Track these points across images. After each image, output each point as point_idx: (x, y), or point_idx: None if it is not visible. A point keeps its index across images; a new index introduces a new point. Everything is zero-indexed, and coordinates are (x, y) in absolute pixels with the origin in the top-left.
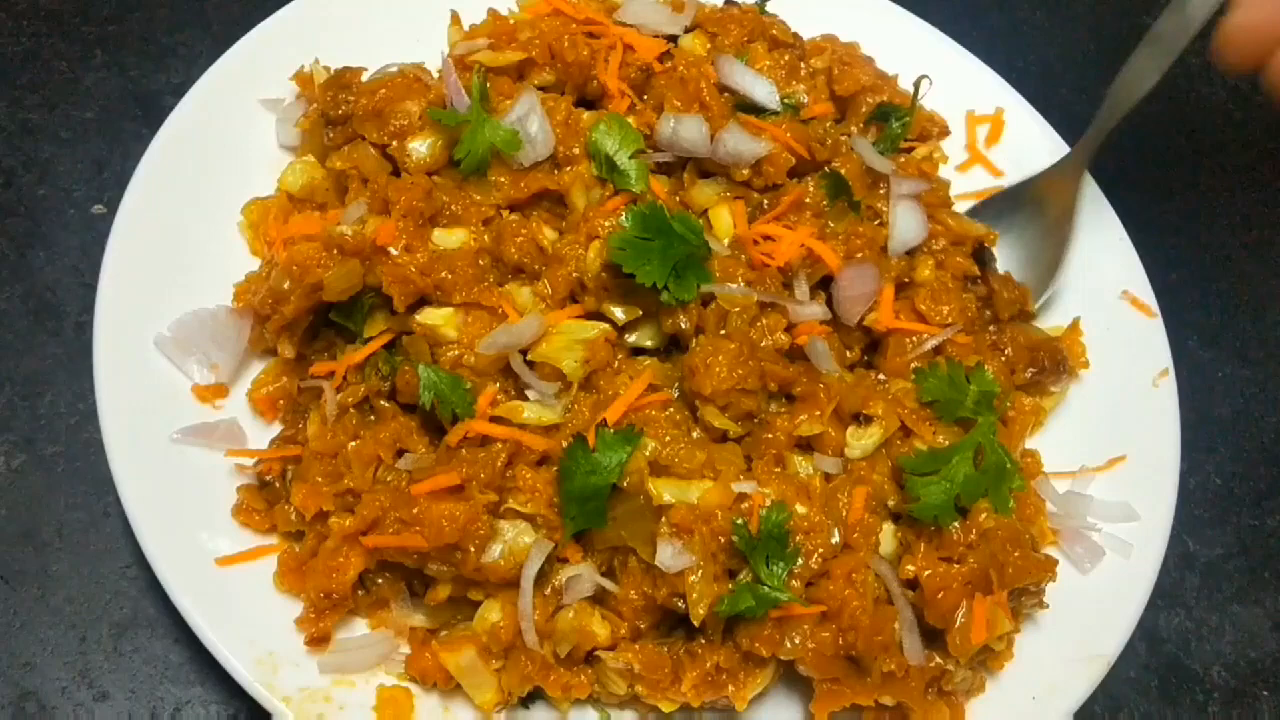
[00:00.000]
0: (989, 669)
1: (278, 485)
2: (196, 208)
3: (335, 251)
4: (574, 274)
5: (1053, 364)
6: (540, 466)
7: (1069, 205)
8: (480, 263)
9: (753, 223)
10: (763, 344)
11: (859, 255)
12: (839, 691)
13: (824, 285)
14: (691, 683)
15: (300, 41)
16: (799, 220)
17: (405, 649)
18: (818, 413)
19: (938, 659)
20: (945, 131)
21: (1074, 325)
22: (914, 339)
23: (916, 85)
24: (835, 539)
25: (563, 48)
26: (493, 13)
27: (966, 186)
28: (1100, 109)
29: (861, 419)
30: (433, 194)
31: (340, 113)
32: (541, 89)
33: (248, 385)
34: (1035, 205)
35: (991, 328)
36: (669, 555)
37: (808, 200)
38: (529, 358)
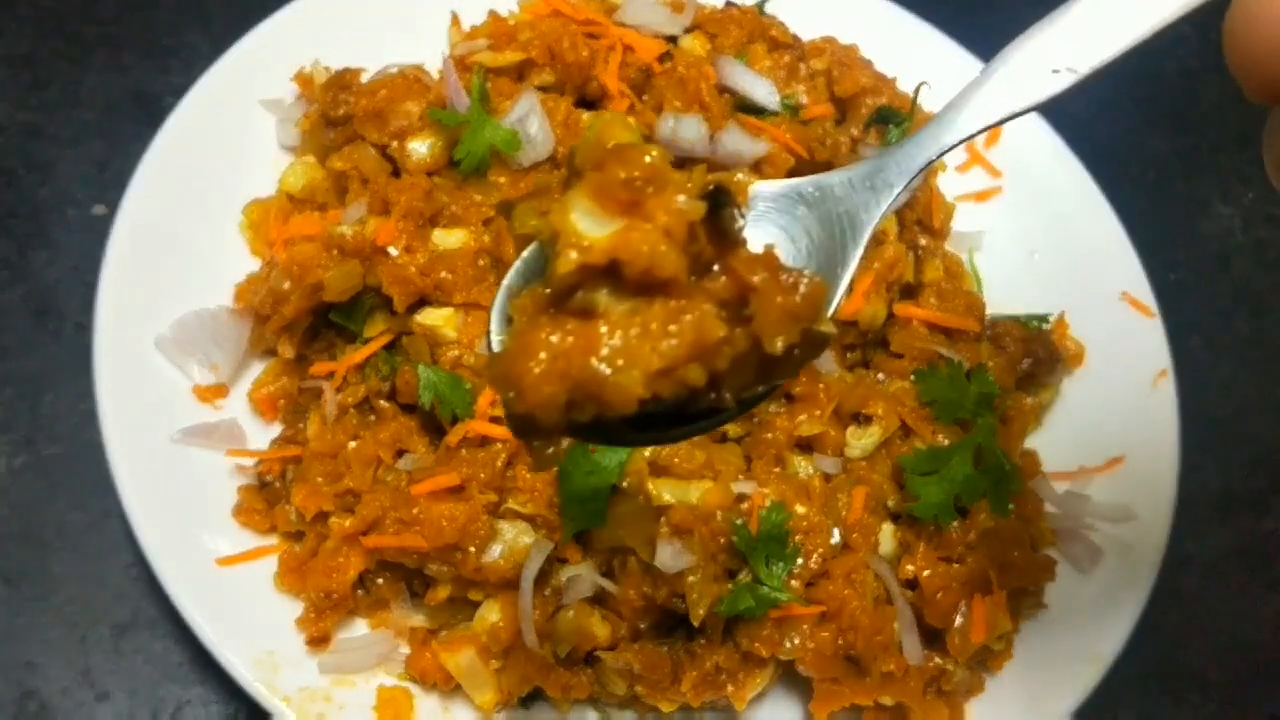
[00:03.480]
0: (988, 669)
1: (278, 485)
2: (197, 208)
3: (335, 252)
4: None
5: (1047, 355)
6: None
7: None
8: (480, 263)
9: None
10: None
11: None
12: (838, 691)
13: None
14: (691, 683)
15: (300, 42)
16: None
17: (405, 649)
18: (818, 413)
19: (937, 659)
20: None
21: (1061, 319)
22: (919, 327)
23: (916, 91)
24: (835, 539)
25: (563, 48)
26: (493, 14)
27: (966, 188)
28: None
29: (861, 419)
30: (433, 194)
31: (340, 113)
32: (541, 89)
33: (248, 385)
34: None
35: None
36: (669, 555)
37: None
38: None
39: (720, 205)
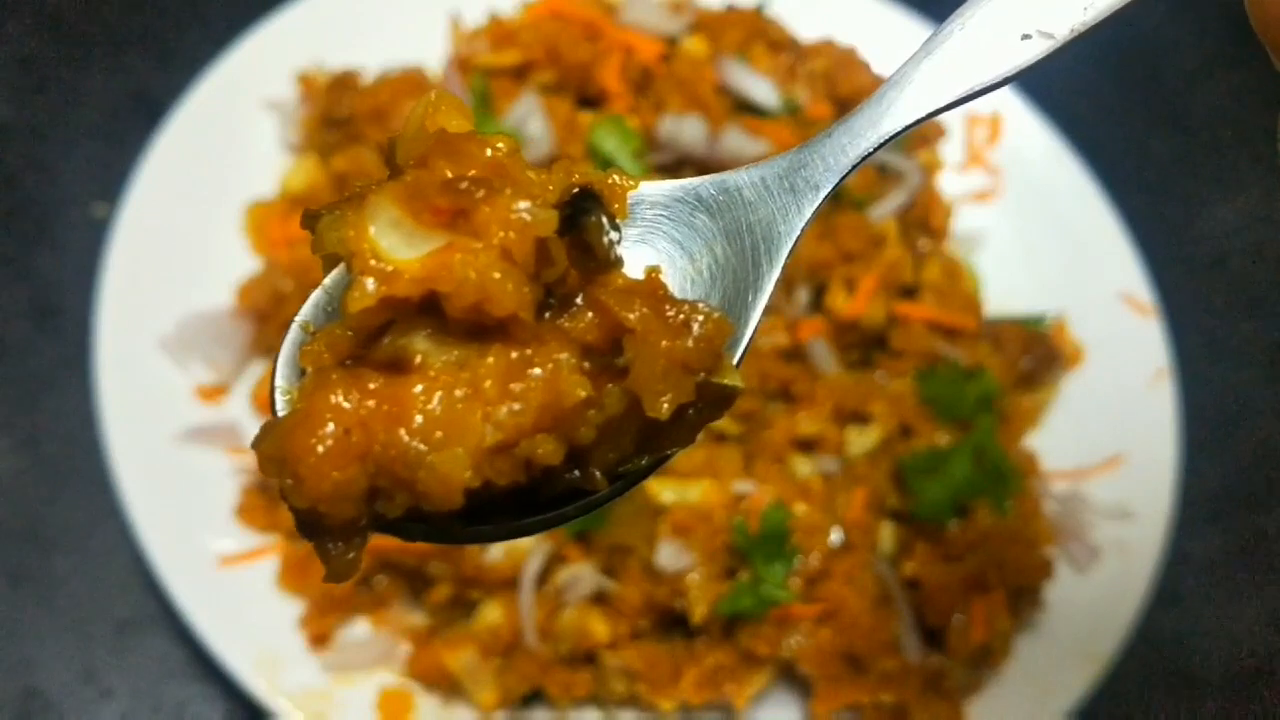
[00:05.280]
0: (988, 668)
1: None
2: (198, 208)
3: None
4: None
5: (1045, 355)
6: None
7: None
8: None
9: None
10: (762, 344)
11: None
12: (838, 689)
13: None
14: (691, 682)
15: (302, 42)
16: None
17: (406, 648)
18: (818, 412)
19: (937, 658)
20: (941, 133)
21: (1060, 319)
22: (919, 327)
23: None
24: (835, 539)
25: (563, 49)
26: (494, 19)
27: (965, 188)
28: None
29: (861, 418)
30: None
31: (342, 113)
32: (542, 90)
33: (248, 385)
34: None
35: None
36: (669, 555)
37: None
38: None
39: (584, 214)
